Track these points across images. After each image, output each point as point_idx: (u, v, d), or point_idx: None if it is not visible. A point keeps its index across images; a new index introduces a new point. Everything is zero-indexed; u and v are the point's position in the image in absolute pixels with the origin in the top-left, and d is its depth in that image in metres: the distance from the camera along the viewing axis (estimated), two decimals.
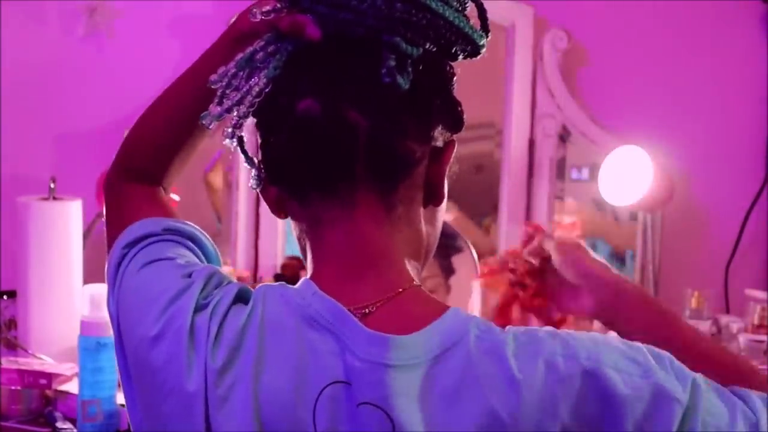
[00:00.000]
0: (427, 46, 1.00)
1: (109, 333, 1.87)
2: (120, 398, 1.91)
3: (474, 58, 1.05)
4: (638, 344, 0.98)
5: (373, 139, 0.98)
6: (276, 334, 0.98)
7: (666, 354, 0.98)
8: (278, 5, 1.01)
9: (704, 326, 2.23)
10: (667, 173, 2.44)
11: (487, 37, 1.05)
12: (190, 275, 1.03)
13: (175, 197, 1.72)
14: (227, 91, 1.00)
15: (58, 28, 2.47)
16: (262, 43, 1.00)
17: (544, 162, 2.54)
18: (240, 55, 1.00)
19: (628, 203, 2.49)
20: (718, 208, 2.57)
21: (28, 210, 2.19)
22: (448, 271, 2.43)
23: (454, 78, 1.04)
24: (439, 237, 1.09)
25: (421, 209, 1.04)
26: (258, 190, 1.05)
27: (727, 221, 2.55)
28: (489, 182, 2.56)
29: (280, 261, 2.52)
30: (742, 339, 2.18)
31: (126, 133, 1.17)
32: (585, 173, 2.59)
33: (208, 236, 1.13)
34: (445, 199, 1.06)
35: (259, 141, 1.03)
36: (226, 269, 1.90)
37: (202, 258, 1.11)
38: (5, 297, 2.26)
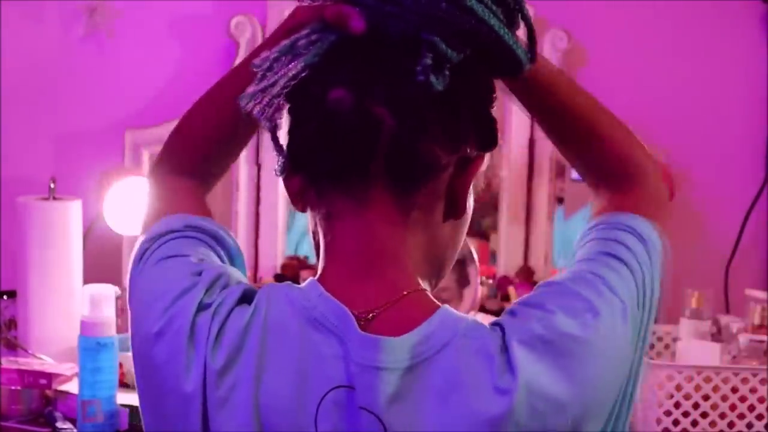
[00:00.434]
0: (467, 53, 0.97)
1: (109, 333, 1.89)
2: (120, 398, 1.91)
3: (513, 78, 1.02)
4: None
5: (396, 138, 0.96)
6: (279, 335, 0.97)
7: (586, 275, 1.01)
8: None
9: (704, 326, 2.22)
10: (667, 173, 2.43)
11: (532, 62, 1.00)
12: (199, 273, 1.02)
13: None
14: (267, 74, 0.99)
15: (58, 28, 2.46)
16: (307, 31, 0.99)
17: (544, 162, 2.53)
18: (284, 42, 0.99)
19: None
20: (718, 208, 2.57)
21: (28, 210, 2.18)
22: (462, 282, 2.41)
23: (494, 95, 1.02)
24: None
25: (442, 221, 1.02)
26: (282, 178, 1.04)
27: (727, 221, 2.55)
28: (489, 182, 2.56)
29: (280, 261, 2.51)
30: (742, 339, 2.17)
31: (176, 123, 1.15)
32: None
33: (232, 235, 1.11)
34: (468, 215, 1.05)
35: (288, 128, 1.02)
36: None
37: (224, 257, 1.08)
38: (5, 297, 2.26)
